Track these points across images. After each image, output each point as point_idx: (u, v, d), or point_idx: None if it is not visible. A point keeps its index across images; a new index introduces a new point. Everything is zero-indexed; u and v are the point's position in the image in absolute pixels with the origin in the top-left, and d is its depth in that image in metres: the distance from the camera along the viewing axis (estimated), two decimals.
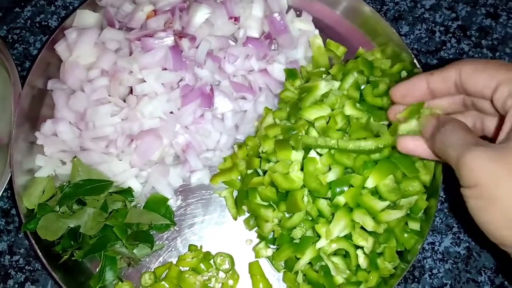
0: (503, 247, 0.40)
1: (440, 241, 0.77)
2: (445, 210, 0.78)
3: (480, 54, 0.87)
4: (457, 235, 0.77)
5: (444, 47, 0.88)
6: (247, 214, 0.74)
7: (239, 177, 0.75)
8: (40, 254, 0.66)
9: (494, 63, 0.43)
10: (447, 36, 0.88)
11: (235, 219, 0.74)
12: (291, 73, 0.78)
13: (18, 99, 0.74)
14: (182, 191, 0.75)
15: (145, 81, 0.71)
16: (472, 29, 0.89)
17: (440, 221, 0.78)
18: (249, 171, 0.73)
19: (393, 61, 0.79)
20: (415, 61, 0.77)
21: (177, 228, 0.73)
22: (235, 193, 0.75)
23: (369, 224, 0.64)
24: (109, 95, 0.72)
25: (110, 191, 0.70)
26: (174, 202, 0.74)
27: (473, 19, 0.89)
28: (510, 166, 0.37)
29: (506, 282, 0.74)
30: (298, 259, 0.67)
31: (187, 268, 0.70)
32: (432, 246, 0.77)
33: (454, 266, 0.75)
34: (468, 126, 0.45)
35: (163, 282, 0.68)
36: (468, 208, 0.41)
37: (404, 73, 0.76)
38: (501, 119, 0.44)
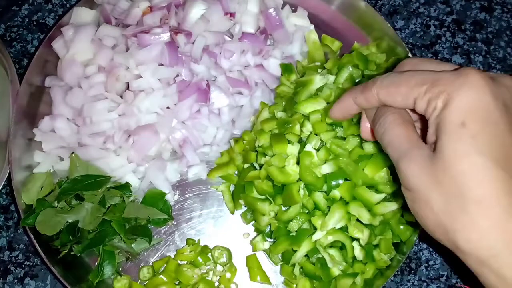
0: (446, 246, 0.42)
1: None
2: None
3: (475, 48, 0.88)
4: None
5: (439, 41, 0.88)
6: (244, 208, 0.75)
7: (236, 172, 0.76)
8: (39, 249, 0.66)
9: (406, 78, 0.42)
10: (441, 30, 0.89)
11: (232, 213, 0.75)
12: (286, 68, 0.79)
13: (16, 96, 0.74)
14: (180, 186, 0.76)
15: (141, 77, 0.72)
16: (467, 23, 0.89)
17: None
18: (246, 165, 0.74)
19: (388, 55, 0.79)
20: (410, 55, 0.77)
21: (175, 223, 0.74)
22: (232, 188, 0.76)
23: (365, 217, 0.65)
24: (106, 91, 0.73)
25: (108, 186, 0.71)
26: (171, 197, 0.75)
27: (468, 13, 0.90)
28: (436, 174, 0.39)
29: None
30: (295, 251, 0.67)
31: (185, 262, 0.70)
32: (428, 237, 0.77)
33: (450, 257, 0.76)
34: (407, 117, 0.45)
35: (161, 276, 0.69)
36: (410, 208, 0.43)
37: None
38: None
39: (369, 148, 0.67)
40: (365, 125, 0.51)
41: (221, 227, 0.74)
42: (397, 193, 0.67)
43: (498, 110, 0.38)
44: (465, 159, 0.37)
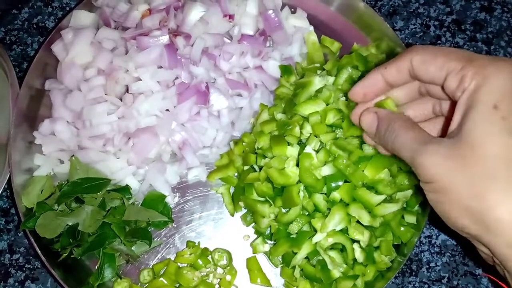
0: (464, 235, 0.42)
1: (437, 234, 0.77)
2: None
3: (475, 48, 0.87)
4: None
5: (439, 42, 0.88)
6: (244, 210, 0.74)
7: (236, 174, 0.76)
8: (39, 252, 0.66)
9: (445, 51, 0.43)
10: (441, 31, 0.89)
11: (232, 215, 0.75)
12: (286, 70, 0.79)
13: (16, 99, 0.75)
14: (180, 188, 0.76)
15: (141, 80, 0.72)
16: (467, 23, 0.89)
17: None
18: (246, 167, 0.74)
19: (388, 56, 0.79)
20: None
21: (175, 225, 0.74)
22: (232, 190, 0.76)
23: (365, 218, 0.64)
24: (105, 94, 0.73)
25: (108, 189, 0.71)
26: (171, 199, 0.75)
27: (468, 13, 0.89)
28: (460, 159, 0.39)
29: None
30: (295, 253, 0.67)
31: (185, 265, 0.70)
32: (429, 239, 0.77)
33: (452, 259, 0.76)
34: (413, 121, 0.46)
35: (161, 279, 0.69)
36: (428, 201, 0.43)
37: None
38: (453, 105, 0.45)
39: (369, 149, 0.67)
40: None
41: (221, 229, 0.74)
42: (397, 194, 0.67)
43: None
44: (495, 140, 0.38)
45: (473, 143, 0.38)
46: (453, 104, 0.43)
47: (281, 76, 0.79)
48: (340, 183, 0.65)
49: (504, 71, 0.39)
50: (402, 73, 0.46)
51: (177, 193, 0.76)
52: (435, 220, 0.78)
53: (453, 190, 0.39)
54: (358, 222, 0.65)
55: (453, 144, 0.40)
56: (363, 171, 0.65)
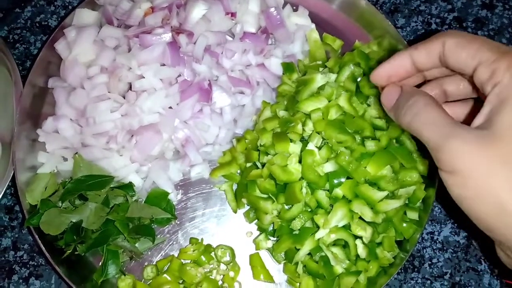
0: (492, 236, 0.39)
1: (440, 230, 0.77)
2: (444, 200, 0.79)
3: None
4: (456, 224, 0.77)
5: None
6: (247, 207, 0.75)
7: (239, 171, 0.76)
8: (43, 249, 0.67)
9: (479, 39, 0.41)
10: (443, 28, 0.89)
11: (235, 212, 0.75)
12: (288, 67, 0.79)
13: (19, 98, 0.75)
14: (183, 185, 0.76)
15: (143, 77, 0.72)
16: (468, 20, 0.89)
17: (439, 210, 0.78)
18: (248, 164, 0.74)
19: (389, 53, 0.79)
20: None
21: (178, 222, 0.74)
22: (234, 187, 0.76)
23: (368, 214, 0.65)
24: (108, 92, 0.73)
25: (111, 186, 0.71)
26: (174, 196, 0.75)
27: (469, 10, 0.90)
28: (501, 154, 0.36)
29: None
30: (298, 250, 0.67)
31: (189, 261, 0.71)
32: (432, 235, 0.77)
33: (454, 255, 0.76)
34: (438, 102, 0.43)
35: (165, 275, 0.69)
36: (451, 195, 0.40)
37: None
38: (478, 97, 0.44)
39: (371, 146, 0.67)
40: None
41: (224, 226, 0.75)
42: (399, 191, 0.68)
43: None
44: None
45: (506, 139, 0.36)
46: (477, 95, 0.42)
47: (283, 74, 0.79)
48: (343, 179, 0.65)
49: None
50: (432, 56, 0.44)
51: (180, 190, 0.76)
52: (438, 216, 0.78)
53: (488, 188, 0.36)
54: (360, 218, 0.66)
55: (485, 137, 0.37)
56: (365, 167, 0.66)
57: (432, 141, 0.40)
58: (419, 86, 0.53)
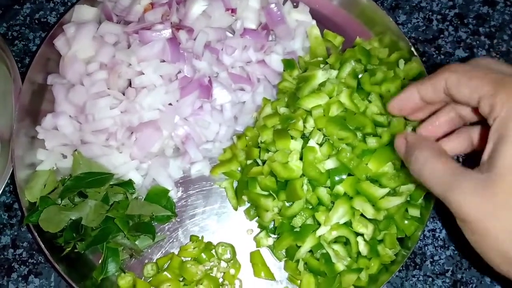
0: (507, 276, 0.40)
1: (441, 228, 0.77)
2: None
3: (477, 42, 0.87)
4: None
5: (441, 35, 0.88)
6: (248, 204, 0.74)
7: (239, 168, 0.76)
8: (43, 246, 0.66)
9: (480, 72, 0.41)
10: (444, 24, 0.88)
11: (236, 209, 0.75)
12: (289, 64, 0.78)
13: (18, 95, 0.74)
14: (183, 183, 0.76)
15: (143, 74, 0.72)
16: (470, 17, 0.89)
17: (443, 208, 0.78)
18: (249, 162, 0.74)
19: (390, 50, 0.79)
20: (412, 49, 0.77)
21: (179, 220, 0.74)
22: (235, 184, 0.76)
23: (369, 211, 0.64)
24: (108, 88, 0.73)
25: (111, 183, 0.71)
26: (175, 194, 0.75)
27: (470, 7, 0.89)
28: (494, 199, 0.36)
29: None
30: (299, 247, 0.67)
31: (189, 259, 0.70)
32: (433, 233, 0.77)
33: (456, 252, 0.76)
34: (443, 149, 0.43)
35: (165, 273, 0.69)
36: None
37: (402, 62, 0.77)
38: (483, 129, 0.44)
39: (372, 142, 0.67)
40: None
41: (225, 224, 0.74)
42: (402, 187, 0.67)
43: None
44: None
45: (506, 181, 0.35)
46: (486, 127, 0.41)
47: (284, 70, 0.79)
48: (344, 176, 0.65)
49: None
50: (437, 91, 0.45)
51: (180, 188, 0.76)
52: (439, 213, 0.78)
53: (488, 233, 0.37)
54: (362, 215, 0.65)
55: (486, 181, 0.37)
56: (366, 164, 0.65)
57: (439, 193, 0.41)
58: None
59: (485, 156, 0.39)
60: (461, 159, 0.81)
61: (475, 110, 0.42)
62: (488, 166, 0.37)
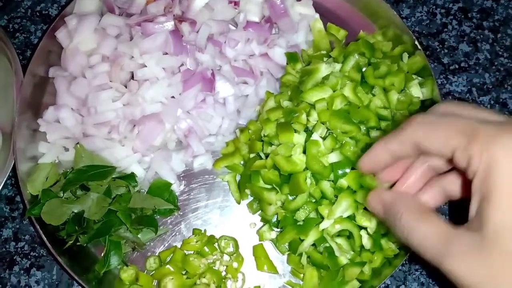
0: None
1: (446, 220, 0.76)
2: None
3: (481, 36, 0.87)
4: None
5: (445, 29, 0.87)
6: (251, 198, 0.74)
7: (242, 162, 0.76)
8: (45, 239, 0.66)
9: (446, 124, 0.36)
10: (448, 18, 0.88)
11: (239, 203, 0.74)
12: (292, 57, 0.78)
13: (20, 87, 0.74)
14: (185, 176, 0.76)
15: (146, 66, 0.71)
16: (473, 11, 0.88)
17: (445, 203, 0.77)
18: (252, 155, 0.73)
19: (394, 43, 0.79)
20: (416, 42, 0.76)
21: (181, 213, 0.74)
22: (238, 178, 0.75)
23: None
24: (110, 81, 0.72)
25: (113, 176, 0.70)
26: (177, 187, 0.74)
27: (474, 1, 0.89)
28: (492, 263, 0.33)
29: None
30: (302, 241, 0.67)
31: (192, 252, 0.70)
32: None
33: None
34: (423, 207, 0.39)
35: (168, 266, 0.68)
36: None
37: (405, 55, 0.76)
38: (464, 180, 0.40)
39: (376, 136, 0.67)
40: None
41: (228, 217, 0.74)
42: None
43: None
44: None
45: (500, 243, 0.32)
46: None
47: (287, 64, 0.78)
48: (348, 170, 0.65)
49: None
50: (405, 147, 0.41)
51: (183, 181, 0.75)
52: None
53: None
54: (365, 208, 0.65)
55: (479, 244, 0.34)
56: None
57: (432, 259, 0.37)
58: None
59: (472, 212, 0.36)
60: None
61: (450, 160, 0.38)
62: (478, 225, 0.34)
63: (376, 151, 0.44)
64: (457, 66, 0.85)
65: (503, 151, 0.32)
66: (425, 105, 0.74)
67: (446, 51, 0.86)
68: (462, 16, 0.88)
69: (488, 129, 0.34)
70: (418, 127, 0.39)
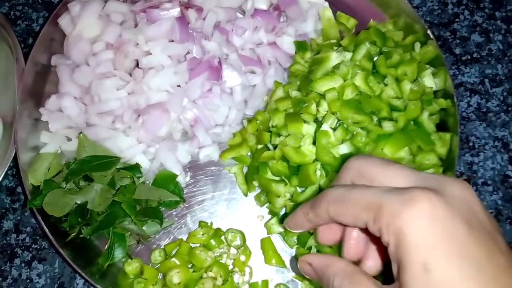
0: None
1: None
2: None
3: (494, 26, 0.84)
4: None
5: (457, 19, 0.85)
6: (258, 190, 0.72)
7: (249, 153, 0.74)
8: (47, 230, 0.64)
9: (353, 197, 0.37)
10: (459, 8, 0.86)
11: (246, 195, 0.72)
12: (301, 46, 0.76)
13: (21, 75, 0.72)
14: (191, 168, 0.74)
15: (151, 54, 0.69)
16: (485, 1, 0.86)
17: None
18: (259, 146, 0.71)
19: (405, 33, 0.76)
20: (428, 32, 0.74)
21: (187, 205, 0.72)
22: (245, 170, 0.73)
23: None
24: (114, 69, 0.70)
25: (117, 167, 0.68)
26: (183, 179, 0.72)
27: None
28: None
29: None
30: (311, 234, 0.65)
31: (198, 245, 0.68)
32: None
33: None
34: (355, 271, 0.39)
35: (173, 259, 0.66)
36: None
37: (417, 45, 0.74)
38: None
39: (388, 127, 0.65)
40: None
41: (234, 210, 0.72)
42: None
43: (463, 234, 0.32)
44: None
45: None
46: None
47: (295, 53, 0.76)
48: None
49: (421, 216, 0.32)
50: (324, 219, 0.40)
51: (189, 173, 0.73)
52: None
53: None
54: None
55: None
56: (382, 149, 0.63)
57: None
58: None
59: (394, 274, 0.35)
60: None
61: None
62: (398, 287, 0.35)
63: (298, 217, 0.44)
64: (469, 57, 0.83)
65: (407, 224, 0.33)
66: (437, 96, 0.72)
67: (458, 41, 0.84)
68: (474, 6, 0.86)
69: (392, 202, 0.34)
70: (329, 204, 0.39)
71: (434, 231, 0.32)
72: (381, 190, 0.36)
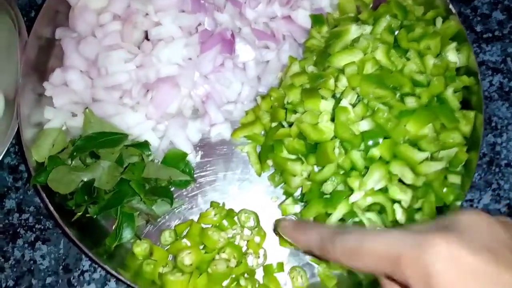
0: None
1: (479, 198, 0.72)
2: (484, 166, 0.73)
3: None
4: (497, 192, 0.72)
5: None
6: (272, 170, 0.69)
7: (262, 131, 0.70)
8: (51, 208, 0.61)
9: (369, 247, 0.36)
10: None
11: (259, 175, 0.69)
12: (317, 19, 0.72)
13: (24, 48, 0.68)
14: (202, 146, 0.70)
15: (161, 24, 0.66)
16: None
17: (479, 177, 0.72)
18: (274, 124, 0.68)
19: (426, 8, 0.73)
20: (450, 6, 0.71)
21: (198, 185, 0.69)
22: (258, 149, 0.70)
23: (408, 176, 0.59)
24: (122, 41, 0.67)
25: (125, 144, 0.65)
26: (193, 158, 0.69)
27: None
28: None
29: None
30: (329, 215, 0.62)
31: (209, 226, 0.65)
32: (471, 203, 0.72)
33: None
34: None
35: (184, 240, 0.63)
36: None
37: (439, 19, 0.71)
38: None
39: (411, 102, 0.61)
40: None
41: (247, 190, 0.69)
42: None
43: (486, 262, 0.31)
44: None
45: None
46: None
47: (311, 27, 0.73)
48: (380, 139, 0.60)
49: (442, 255, 0.32)
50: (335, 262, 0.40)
51: (200, 152, 0.70)
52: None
53: None
54: (400, 180, 0.60)
55: None
56: (405, 126, 0.60)
57: None
58: None
59: None
60: None
61: None
62: None
63: (302, 240, 0.44)
64: (490, 35, 0.80)
65: (432, 265, 0.32)
66: (460, 73, 0.69)
67: (479, 18, 0.81)
68: None
69: (408, 253, 0.33)
70: (341, 254, 0.38)
71: (457, 268, 0.32)
72: (395, 238, 0.35)
